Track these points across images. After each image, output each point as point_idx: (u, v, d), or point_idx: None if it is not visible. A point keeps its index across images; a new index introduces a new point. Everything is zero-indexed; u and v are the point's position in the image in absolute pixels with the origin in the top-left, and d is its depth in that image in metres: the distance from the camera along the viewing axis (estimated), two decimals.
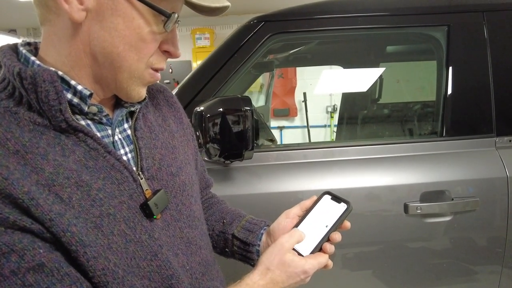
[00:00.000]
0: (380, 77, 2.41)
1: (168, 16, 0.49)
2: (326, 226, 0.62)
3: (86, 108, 0.50)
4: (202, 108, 0.93)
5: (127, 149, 0.56)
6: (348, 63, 2.16)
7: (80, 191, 0.46)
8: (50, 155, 0.45)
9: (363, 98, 2.51)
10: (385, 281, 1.13)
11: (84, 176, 0.47)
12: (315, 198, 0.67)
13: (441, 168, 1.11)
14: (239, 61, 1.13)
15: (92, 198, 0.47)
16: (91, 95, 0.50)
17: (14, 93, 0.47)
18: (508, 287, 1.14)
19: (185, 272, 0.57)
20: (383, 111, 2.42)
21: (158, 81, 0.59)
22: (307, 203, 0.67)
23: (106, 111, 0.54)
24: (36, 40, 0.55)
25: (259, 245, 0.70)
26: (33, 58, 0.49)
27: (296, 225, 0.65)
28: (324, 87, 3.33)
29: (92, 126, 0.52)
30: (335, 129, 4.30)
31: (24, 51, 0.50)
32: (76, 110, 0.50)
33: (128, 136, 0.57)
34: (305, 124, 4.34)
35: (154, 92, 0.67)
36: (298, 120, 4.60)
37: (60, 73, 0.48)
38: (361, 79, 2.17)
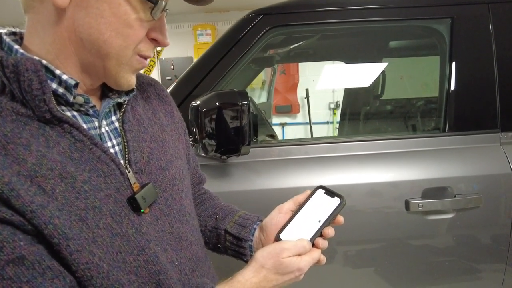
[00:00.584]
0: (383, 73, 2.38)
1: (155, 3, 0.47)
2: (319, 221, 0.61)
3: (71, 99, 0.48)
4: (198, 102, 0.91)
5: (114, 141, 0.54)
6: (350, 58, 2.13)
7: (64, 183, 0.45)
8: (33, 146, 0.44)
9: (366, 94, 2.48)
10: (385, 279, 1.11)
11: (68, 168, 0.46)
12: (308, 192, 0.66)
13: (444, 164, 1.08)
14: (237, 55, 1.11)
15: (77, 191, 0.46)
16: (76, 84, 0.48)
17: None
18: None
19: (174, 268, 0.55)
20: (385, 107, 2.39)
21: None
22: (301, 197, 0.66)
23: (93, 102, 0.53)
24: (22, 30, 0.53)
25: (252, 240, 0.69)
26: (16, 46, 0.47)
27: (289, 220, 0.64)
28: (327, 83, 3.31)
29: (78, 118, 0.51)
30: (338, 125, 4.27)
31: (7, 40, 0.48)
32: (61, 100, 0.49)
33: (115, 128, 0.56)
34: (308, 121, 4.32)
35: (145, 85, 0.66)
36: (300, 117, 4.57)
37: (44, 62, 0.46)
38: (364, 74, 2.15)
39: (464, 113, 1.13)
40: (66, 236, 0.43)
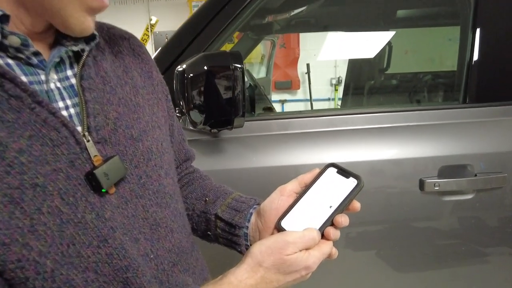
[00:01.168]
0: (389, 44, 2.24)
1: None
2: (330, 207, 0.49)
3: (0, 37, 0.36)
4: (183, 66, 0.78)
5: (69, 102, 0.42)
6: (355, 27, 1.96)
7: None
8: None
9: (371, 66, 2.34)
10: (394, 264, 1.01)
11: None
12: (317, 171, 0.55)
13: (464, 139, 0.96)
14: (230, 15, 0.97)
15: (8, 163, 0.34)
16: (6, 18, 0.36)
17: None
18: None
19: (148, 262, 0.45)
20: (394, 81, 2.25)
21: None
22: (307, 177, 0.55)
23: (40, 50, 0.40)
24: None
25: (247, 227, 0.58)
26: None
27: (293, 204, 0.52)
28: (329, 55, 3.14)
29: (15, 67, 0.38)
30: (339, 103, 4.14)
31: None
32: None
33: (72, 86, 0.43)
34: (308, 98, 4.17)
35: (116, 38, 0.53)
36: (300, 93, 4.43)
37: None
38: (370, 46, 2.00)
39: (488, 83, 1.00)
40: None
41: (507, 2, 1.00)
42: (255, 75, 3.92)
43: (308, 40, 4.11)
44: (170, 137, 0.61)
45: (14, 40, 0.37)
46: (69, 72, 0.44)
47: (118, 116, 0.46)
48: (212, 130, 0.82)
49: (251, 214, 0.58)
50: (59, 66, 0.43)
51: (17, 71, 0.38)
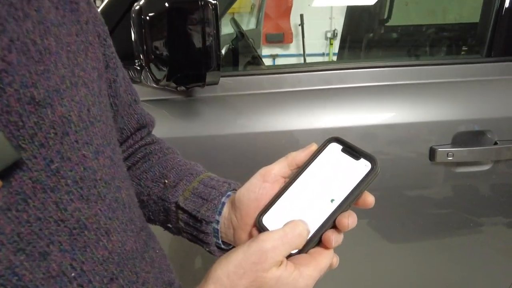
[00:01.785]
0: None
1: None
2: (332, 201, 0.35)
3: None
4: (141, 3, 0.59)
5: None
6: None
7: None
8: None
9: (371, 17, 2.12)
10: (398, 241, 0.90)
11: None
12: (313, 148, 0.39)
13: (484, 100, 0.81)
14: None
15: None
16: None
17: None
18: None
19: (66, 285, 0.30)
20: (395, 34, 2.05)
21: None
22: (301, 156, 0.39)
23: None
24: None
25: (218, 222, 0.43)
26: None
27: (280, 194, 0.38)
28: (325, 1, 2.87)
29: None
30: (334, 58, 3.90)
31: None
32: None
33: None
34: (301, 52, 3.92)
35: None
36: (293, 48, 4.16)
37: None
38: None
39: None
40: None
41: None
42: (243, 27, 3.62)
43: None
44: (112, 98, 0.44)
45: None
46: None
47: (6, 67, 0.28)
48: (179, 88, 0.64)
49: (223, 204, 0.44)
50: None
51: None
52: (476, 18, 0.98)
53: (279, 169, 0.40)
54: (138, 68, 0.70)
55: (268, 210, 0.38)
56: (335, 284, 0.95)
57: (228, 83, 0.83)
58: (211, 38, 0.58)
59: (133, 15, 0.60)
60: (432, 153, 0.79)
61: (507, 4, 0.83)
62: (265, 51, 4.04)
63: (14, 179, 0.27)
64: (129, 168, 0.52)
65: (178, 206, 0.45)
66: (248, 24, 3.80)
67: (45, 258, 0.29)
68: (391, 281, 0.98)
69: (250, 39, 2.11)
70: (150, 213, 0.49)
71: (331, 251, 0.35)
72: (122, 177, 0.39)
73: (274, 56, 4.15)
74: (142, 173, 0.50)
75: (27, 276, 0.27)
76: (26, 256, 0.27)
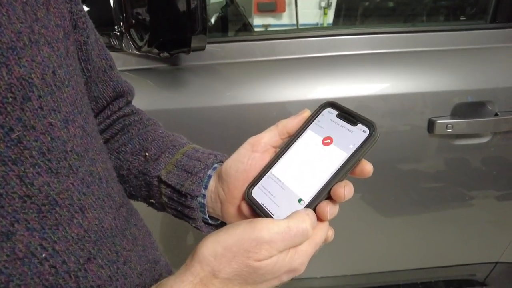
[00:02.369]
0: None
1: None
2: (327, 170, 0.32)
3: None
4: None
5: None
6: None
7: None
8: None
9: None
10: (393, 214, 0.89)
11: None
12: (306, 114, 0.36)
13: (486, 69, 0.77)
14: None
15: None
16: None
17: None
18: None
19: (37, 266, 0.28)
20: (391, 2, 1.97)
21: None
22: (292, 124, 0.36)
23: None
24: None
25: (204, 196, 0.40)
26: None
27: (270, 166, 0.35)
28: None
29: None
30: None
31: None
32: None
33: None
34: (294, 22, 3.80)
35: None
36: (286, 17, 4.02)
37: None
38: None
39: None
40: None
41: None
42: None
43: None
44: (83, 63, 0.39)
45: None
46: None
47: None
48: (161, 54, 0.59)
49: (209, 177, 0.41)
50: None
51: None
52: None
53: (269, 137, 0.36)
54: (118, 34, 0.65)
55: (258, 182, 0.35)
56: (329, 258, 0.94)
57: (216, 51, 0.78)
58: None
59: None
60: (431, 125, 0.76)
61: None
62: (257, 20, 3.90)
63: None
64: (107, 141, 0.48)
65: (160, 180, 0.42)
66: None
67: (8, 238, 0.26)
68: (386, 253, 0.98)
69: (241, 7, 2.01)
70: (131, 189, 0.45)
71: (326, 224, 0.32)
72: (97, 149, 0.35)
73: (266, 26, 4.02)
74: (121, 146, 0.46)
75: None
76: None
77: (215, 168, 0.41)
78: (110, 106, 0.47)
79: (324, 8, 3.89)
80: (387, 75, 0.78)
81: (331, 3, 3.82)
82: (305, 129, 0.35)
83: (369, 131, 0.32)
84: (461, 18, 1.13)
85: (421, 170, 0.82)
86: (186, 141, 0.46)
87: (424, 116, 0.77)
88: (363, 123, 0.33)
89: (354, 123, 0.33)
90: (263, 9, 3.88)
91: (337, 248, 0.92)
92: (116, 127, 0.47)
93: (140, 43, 0.56)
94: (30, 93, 0.27)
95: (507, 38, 0.79)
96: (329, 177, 0.31)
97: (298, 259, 0.30)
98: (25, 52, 0.27)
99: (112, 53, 0.45)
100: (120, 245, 0.35)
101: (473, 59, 0.79)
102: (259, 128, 0.38)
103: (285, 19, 4.03)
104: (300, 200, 0.32)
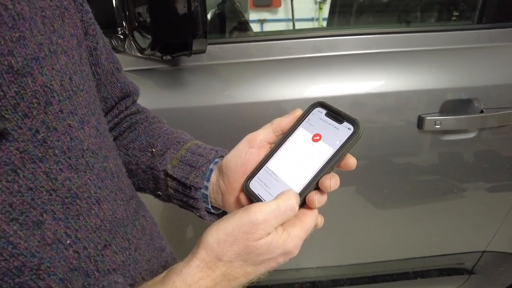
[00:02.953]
0: None
1: None
2: (316, 164, 0.36)
3: None
4: None
5: None
6: None
7: None
8: None
9: None
10: (386, 207, 0.93)
11: None
12: (298, 114, 0.40)
13: (473, 68, 0.81)
14: None
15: None
16: None
17: None
18: None
19: (63, 251, 0.32)
20: None
21: None
22: (285, 122, 0.41)
23: None
24: None
25: (207, 187, 0.45)
26: None
27: (266, 160, 0.39)
28: None
29: None
30: (324, 23, 3.81)
31: None
32: None
33: None
34: (290, 17, 3.81)
35: None
36: (282, 12, 4.03)
37: None
38: None
39: None
40: None
41: None
42: None
43: None
44: (94, 67, 0.43)
45: None
46: None
47: None
48: (164, 57, 0.62)
49: (211, 171, 0.44)
50: None
51: None
52: None
53: (264, 135, 0.40)
54: (121, 36, 0.67)
55: (255, 175, 0.39)
56: (325, 248, 0.98)
57: (215, 51, 0.81)
58: (196, 3, 0.55)
59: None
60: (420, 121, 0.80)
61: None
62: (253, 15, 3.91)
63: (1, 150, 0.27)
64: (115, 138, 0.52)
65: (167, 174, 0.46)
66: None
67: (39, 226, 0.29)
68: (380, 244, 1.02)
69: (237, 3, 2.03)
70: (140, 182, 0.49)
71: (315, 211, 0.36)
72: (109, 147, 0.39)
73: (262, 21, 4.03)
74: (129, 143, 0.49)
75: (22, 245, 0.28)
76: (20, 226, 0.28)
77: (216, 163, 0.45)
78: (118, 105, 0.50)
79: (320, 2, 3.90)
80: (379, 74, 0.81)
81: None
82: (297, 127, 0.39)
83: (353, 128, 0.36)
84: (454, 14, 1.17)
85: (412, 164, 0.86)
86: (189, 138, 0.50)
87: (414, 113, 0.80)
88: (348, 121, 0.36)
89: (340, 121, 0.37)
90: (258, 4, 3.89)
91: (332, 239, 0.96)
92: (124, 125, 0.51)
93: (143, 46, 0.59)
94: (52, 98, 0.31)
95: (493, 38, 0.82)
96: (317, 170, 0.35)
97: (291, 242, 0.34)
98: (46, 61, 0.31)
99: None
100: (131, 234, 0.40)
101: (461, 58, 0.82)
102: (256, 125, 0.42)
103: (281, 14, 4.04)
104: None
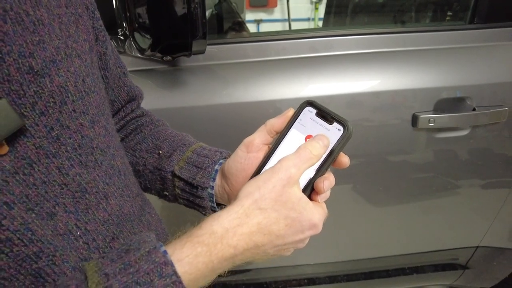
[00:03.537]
0: None
1: None
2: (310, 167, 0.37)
3: None
4: None
5: None
6: None
7: None
8: None
9: None
10: (382, 204, 0.95)
11: None
12: (290, 113, 0.41)
13: (465, 67, 0.83)
14: None
15: None
16: None
17: None
18: None
19: (73, 242, 0.34)
20: None
21: None
22: (278, 123, 0.42)
23: None
24: None
25: (212, 187, 0.46)
26: None
27: (265, 161, 0.41)
28: None
29: None
30: (320, 23, 3.84)
31: None
32: None
33: None
34: (286, 17, 3.83)
35: None
36: (278, 12, 4.05)
37: None
38: None
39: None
40: None
41: None
42: None
43: None
44: (103, 71, 0.45)
45: None
46: None
47: (3, 37, 0.29)
48: (164, 58, 0.63)
49: (216, 171, 0.46)
50: None
51: None
52: None
53: (260, 138, 0.42)
54: (122, 37, 0.69)
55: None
56: (322, 245, 1.00)
57: (213, 52, 0.82)
58: (195, 4, 0.57)
59: None
60: (414, 119, 0.82)
61: None
62: (249, 16, 3.92)
63: (19, 145, 0.29)
64: (122, 140, 0.53)
65: (174, 175, 0.48)
66: None
67: (52, 218, 0.31)
68: (376, 240, 1.04)
69: (233, 4, 2.05)
70: (147, 182, 0.51)
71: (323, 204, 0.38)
72: (116, 146, 0.41)
73: (258, 22, 4.04)
74: (136, 145, 0.51)
75: (39, 232, 0.29)
76: (36, 215, 0.30)
77: (221, 164, 0.47)
78: (124, 108, 0.52)
79: (316, 2, 3.92)
80: (374, 73, 0.83)
81: None
82: (290, 127, 0.40)
83: (343, 129, 0.37)
84: (448, 14, 1.19)
85: (407, 161, 0.88)
86: (193, 140, 0.51)
87: (408, 111, 0.82)
88: (338, 122, 0.37)
89: (330, 122, 0.38)
90: (255, 4, 3.90)
91: (329, 236, 0.97)
92: (130, 127, 0.53)
93: (143, 46, 0.60)
94: (66, 98, 0.33)
95: (484, 37, 0.84)
96: (314, 172, 0.37)
97: (317, 214, 0.36)
98: (62, 64, 0.33)
99: None
100: (137, 229, 0.41)
101: (454, 58, 0.84)
102: (253, 124, 0.43)
103: (277, 14, 4.06)
104: None
